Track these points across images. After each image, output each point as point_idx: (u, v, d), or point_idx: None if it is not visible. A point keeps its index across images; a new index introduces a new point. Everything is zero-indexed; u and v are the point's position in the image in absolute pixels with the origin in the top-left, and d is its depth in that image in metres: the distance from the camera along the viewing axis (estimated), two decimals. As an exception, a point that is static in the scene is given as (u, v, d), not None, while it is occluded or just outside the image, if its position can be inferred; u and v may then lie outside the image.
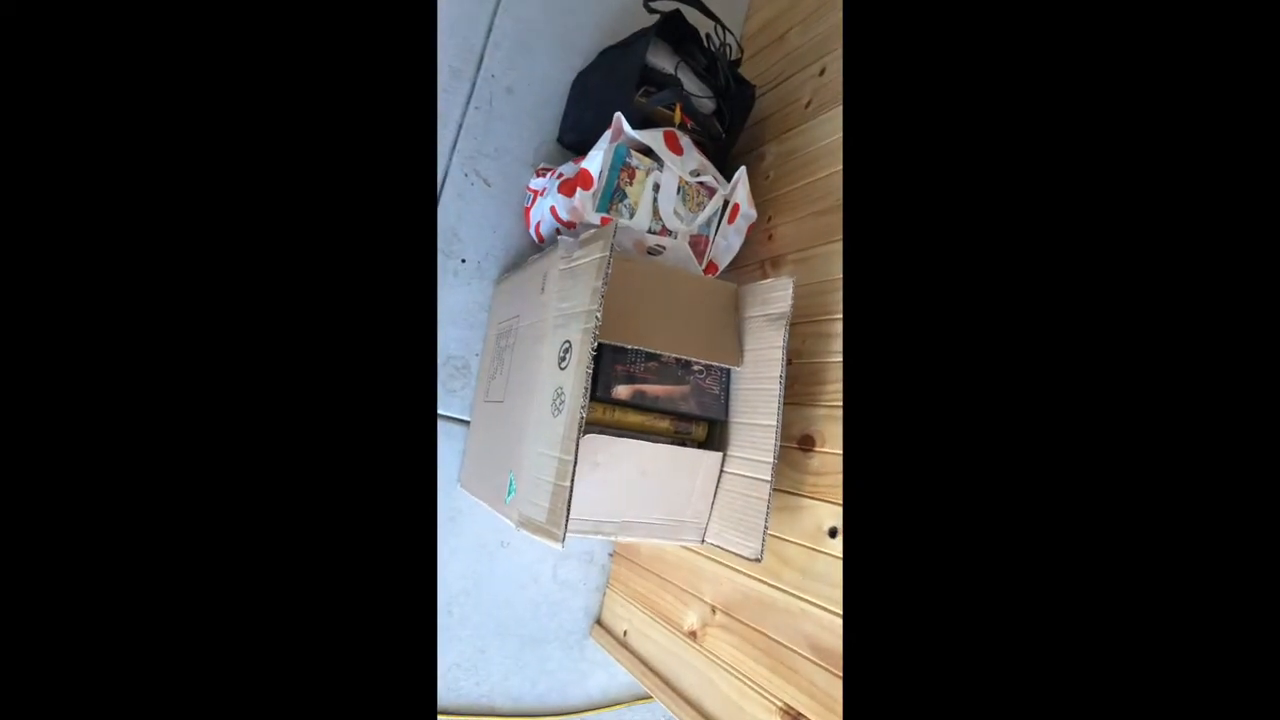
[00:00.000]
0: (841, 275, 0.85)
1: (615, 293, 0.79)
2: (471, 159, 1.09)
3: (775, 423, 0.78)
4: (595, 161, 0.90)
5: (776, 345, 0.80)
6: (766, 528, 0.75)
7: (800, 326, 0.88)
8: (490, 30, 1.11)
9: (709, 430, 0.88)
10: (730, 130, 1.08)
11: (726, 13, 1.28)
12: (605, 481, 0.79)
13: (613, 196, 0.92)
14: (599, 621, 1.14)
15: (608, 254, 0.70)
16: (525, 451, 0.79)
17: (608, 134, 0.91)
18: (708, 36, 1.09)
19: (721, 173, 1.14)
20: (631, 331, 0.80)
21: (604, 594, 1.16)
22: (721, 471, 0.85)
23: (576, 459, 0.67)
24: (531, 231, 1.08)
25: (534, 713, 1.11)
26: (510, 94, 1.12)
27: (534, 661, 1.11)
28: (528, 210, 1.09)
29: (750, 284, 0.86)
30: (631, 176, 0.93)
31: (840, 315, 0.83)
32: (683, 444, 0.87)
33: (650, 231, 0.94)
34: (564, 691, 1.14)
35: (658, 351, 0.82)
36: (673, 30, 1.08)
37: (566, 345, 0.74)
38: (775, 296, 0.82)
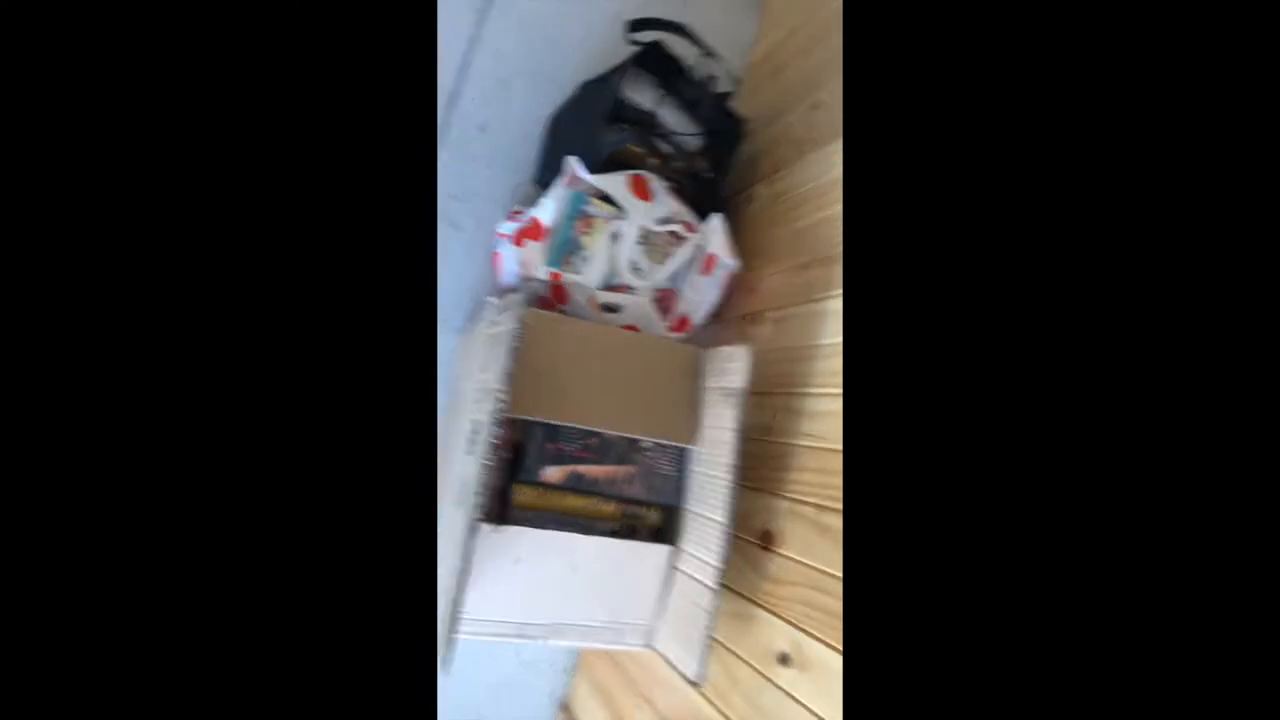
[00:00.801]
0: (822, 341, 0.72)
1: (549, 359, 0.69)
2: (441, 202, 1.02)
3: (725, 519, 0.66)
4: (548, 210, 0.81)
5: (728, 427, 0.68)
6: (707, 646, 0.64)
7: (772, 397, 0.76)
8: (465, 66, 1.05)
9: (665, 515, 0.77)
10: (719, 168, 0.98)
11: (732, 40, 1.18)
12: (530, 580, 0.69)
13: (566, 248, 0.83)
14: (565, 708, 1.03)
15: (516, 327, 0.60)
16: (442, 543, 0.70)
17: (560, 181, 0.82)
18: (693, 68, 0.99)
19: (710, 208, 1.03)
20: (566, 405, 0.70)
21: (571, 675, 1.05)
22: (674, 567, 0.74)
23: (468, 565, 0.58)
24: (506, 251, 1.00)
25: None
26: (484, 133, 1.05)
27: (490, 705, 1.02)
28: (496, 255, 1.01)
29: (710, 349, 0.75)
30: (589, 226, 0.84)
31: (818, 389, 0.70)
32: (631, 531, 0.77)
33: (607, 286, 0.84)
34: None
35: (597, 429, 0.72)
36: (654, 61, 0.98)
37: (475, 427, 0.65)
38: (731, 367, 0.70)
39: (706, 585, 0.66)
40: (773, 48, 1.11)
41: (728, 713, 0.67)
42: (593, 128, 0.89)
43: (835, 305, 0.71)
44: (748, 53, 1.23)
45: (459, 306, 1.03)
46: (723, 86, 1.02)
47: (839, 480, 0.61)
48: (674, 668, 0.68)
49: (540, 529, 0.69)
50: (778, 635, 0.64)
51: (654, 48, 0.96)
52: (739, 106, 1.12)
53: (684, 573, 0.71)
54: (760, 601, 0.68)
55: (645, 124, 0.94)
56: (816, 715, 0.56)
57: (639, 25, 0.96)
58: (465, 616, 0.65)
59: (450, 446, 0.79)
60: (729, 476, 0.66)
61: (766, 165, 0.98)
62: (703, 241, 0.88)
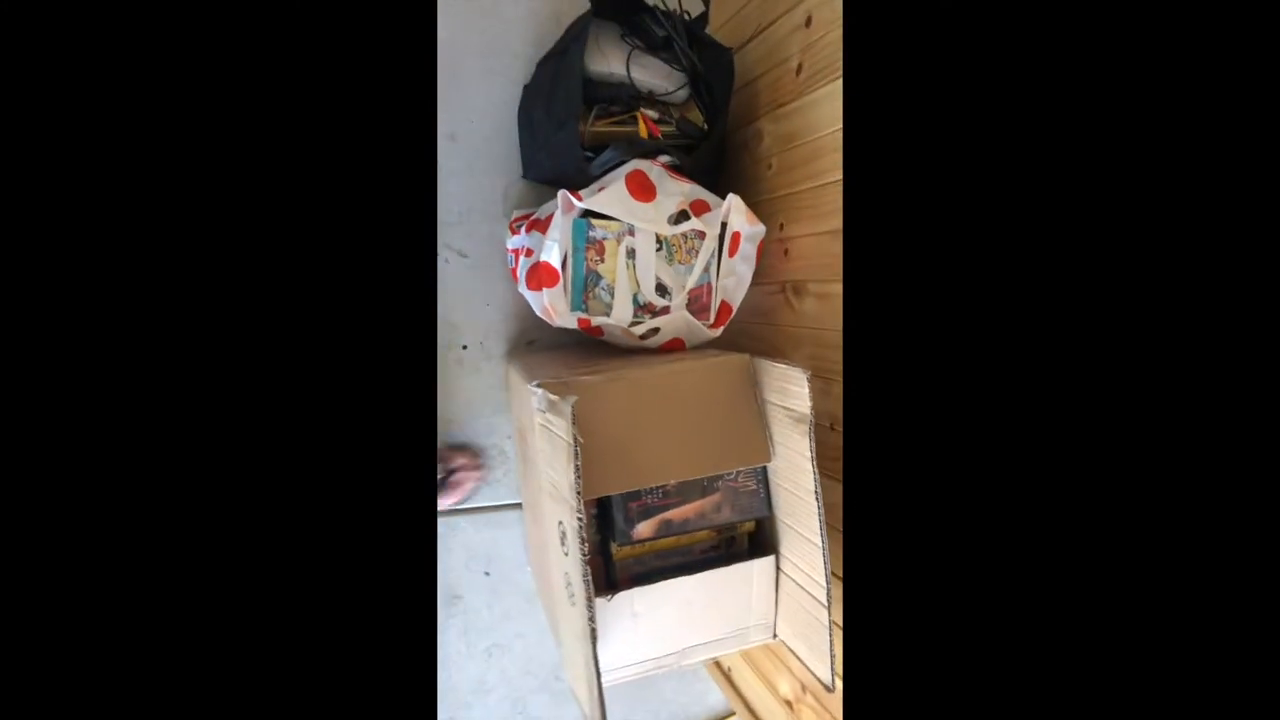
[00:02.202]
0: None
1: (608, 428, 0.69)
2: (440, 233, 0.97)
3: (820, 543, 0.67)
4: (553, 252, 0.76)
5: (804, 453, 0.67)
6: (833, 655, 0.68)
7: (835, 386, 0.74)
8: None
9: (758, 523, 0.79)
10: (714, 116, 0.88)
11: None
12: (651, 624, 0.73)
13: (585, 284, 0.78)
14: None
15: (572, 445, 0.59)
16: (559, 615, 0.75)
17: (558, 213, 0.76)
18: (660, 7, 0.85)
19: (718, 167, 0.95)
20: (638, 471, 0.70)
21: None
22: (779, 571, 0.77)
23: (598, 668, 0.62)
24: (523, 290, 0.96)
25: (665, 737, 1.16)
26: (453, 141, 0.96)
27: (651, 698, 1.14)
28: (514, 271, 0.96)
29: (762, 361, 0.72)
30: (601, 252, 0.78)
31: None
32: (730, 544, 0.79)
33: (638, 306, 0.80)
34: (687, 712, 1.17)
35: (671, 483, 0.72)
36: (611, 5, 0.85)
37: (561, 528, 0.66)
38: (792, 390, 0.68)
39: (819, 601, 0.69)
40: (737, -65, 0.94)
41: (862, 696, 0.73)
42: (568, 130, 0.80)
43: (885, 292, 0.66)
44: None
45: (496, 332, 1.01)
46: (692, 10, 0.89)
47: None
48: (806, 668, 0.73)
49: (647, 584, 0.72)
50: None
51: (607, -5, 0.83)
52: (714, 26, 0.98)
53: (792, 579, 0.74)
54: (871, 598, 0.70)
55: (621, 98, 0.84)
56: None
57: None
58: (602, 670, 0.71)
59: (537, 518, 0.81)
60: (816, 504, 0.67)
61: (767, 97, 0.87)
62: (724, 221, 0.81)
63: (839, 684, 0.76)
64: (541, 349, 1.02)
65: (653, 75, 0.86)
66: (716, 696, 1.17)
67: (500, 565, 1.06)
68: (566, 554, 0.66)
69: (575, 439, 0.60)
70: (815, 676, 0.70)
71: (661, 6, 0.86)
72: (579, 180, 0.82)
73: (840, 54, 0.71)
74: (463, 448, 0.99)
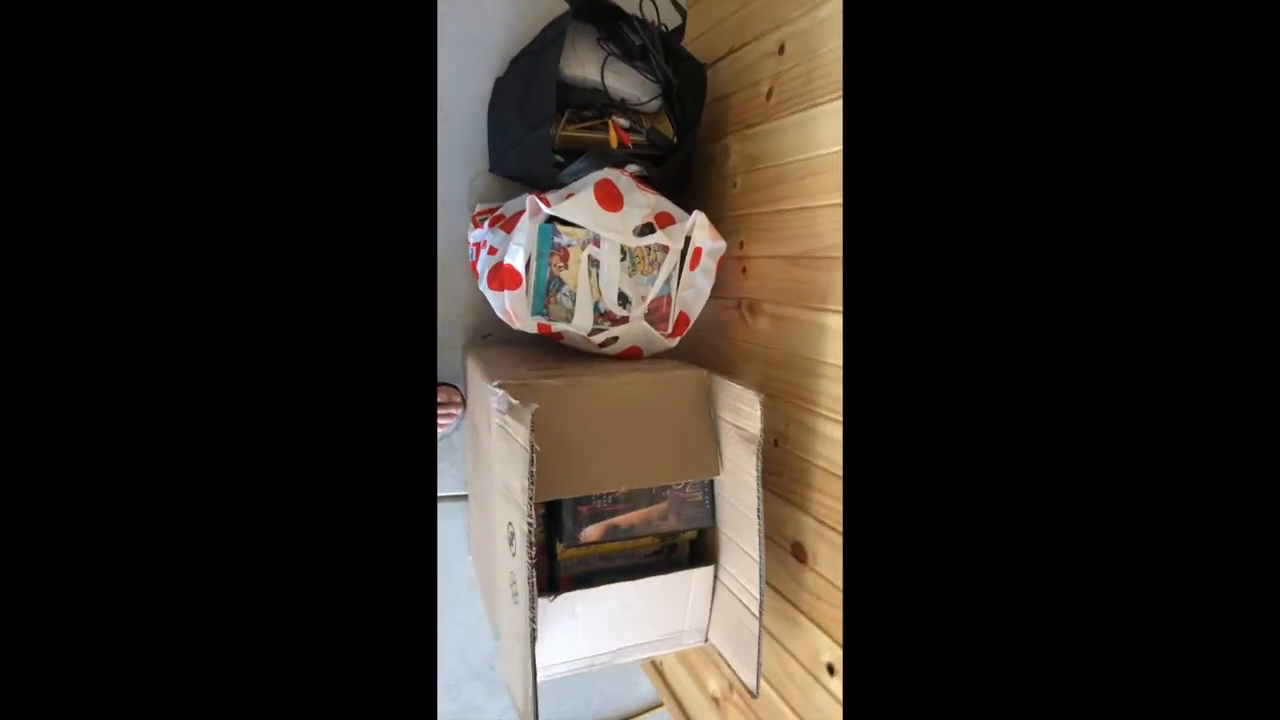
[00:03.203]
0: (823, 359, 0.71)
1: (564, 431, 0.70)
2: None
3: (758, 558, 0.70)
4: (517, 255, 0.76)
5: (751, 471, 0.70)
6: (760, 663, 0.71)
7: (783, 403, 0.77)
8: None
9: (701, 533, 0.82)
10: (685, 129, 0.89)
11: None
12: (589, 624, 0.76)
13: (547, 289, 0.79)
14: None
15: (529, 451, 0.61)
16: (500, 611, 0.76)
17: (524, 216, 0.76)
18: (638, 16, 0.86)
19: (686, 179, 0.96)
20: (590, 477, 0.72)
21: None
22: (716, 580, 0.80)
23: (535, 668, 0.64)
24: (484, 288, 0.96)
25: (593, 726, 1.19)
26: (422, 129, 0.95)
27: (584, 687, 1.17)
28: (474, 265, 0.96)
29: (718, 379, 0.75)
30: (565, 258, 0.79)
31: (825, 411, 0.71)
32: (671, 552, 0.82)
33: (598, 314, 0.81)
34: (618, 701, 1.20)
35: (622, 490, 0.74)
36: (590, 9, 0.86)
37: (510, 529, 0.68)
38: (744, 410, 0.71)
39: (752, 612, 0.72)
40: (719, -49, 0.95)
41: (789, 700, 0.77)
42: (540, 133, 0.80)
43: (831, 321, 0.69)
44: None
45: (454, 324, 1.00)
46: (670, 22, 0.90)
47: (862, 519, 0.64)
48: (734, 673, 0.76)
49: (590, 586, 0.74)
50: (822, 645, 0.71)
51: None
52: (689, 39, 0.99)
53: (728, 588, 0.78)
54: (802, 609, 0.74)
55: (594, 104, 0.85)
56: (867, 729, 0.64)
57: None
58: (539, 666, 0.73)
59: (485, 513, 0.82)
60: (757, 520, 0.70)
61: (736, 115, 0.89)
62: (688, 236, 0.83)
63: (764, 689, 0.80)
64: (497, 343, 1.02)
65: (627, 83, 0.87)
66: (647, 688, 1.21)
67: (441, 554, 1.06)
68: (514, 555, 0.67)
69: (533, 446, 0.61)
70: (742, 683, 0.74)
71: (640, 15, 0.87)
72: (547, 183, 0.82)
73: (808, 87, 0.74)
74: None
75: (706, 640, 0.82)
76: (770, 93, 0.82)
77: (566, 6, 0.84)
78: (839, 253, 0.68)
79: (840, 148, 0.68)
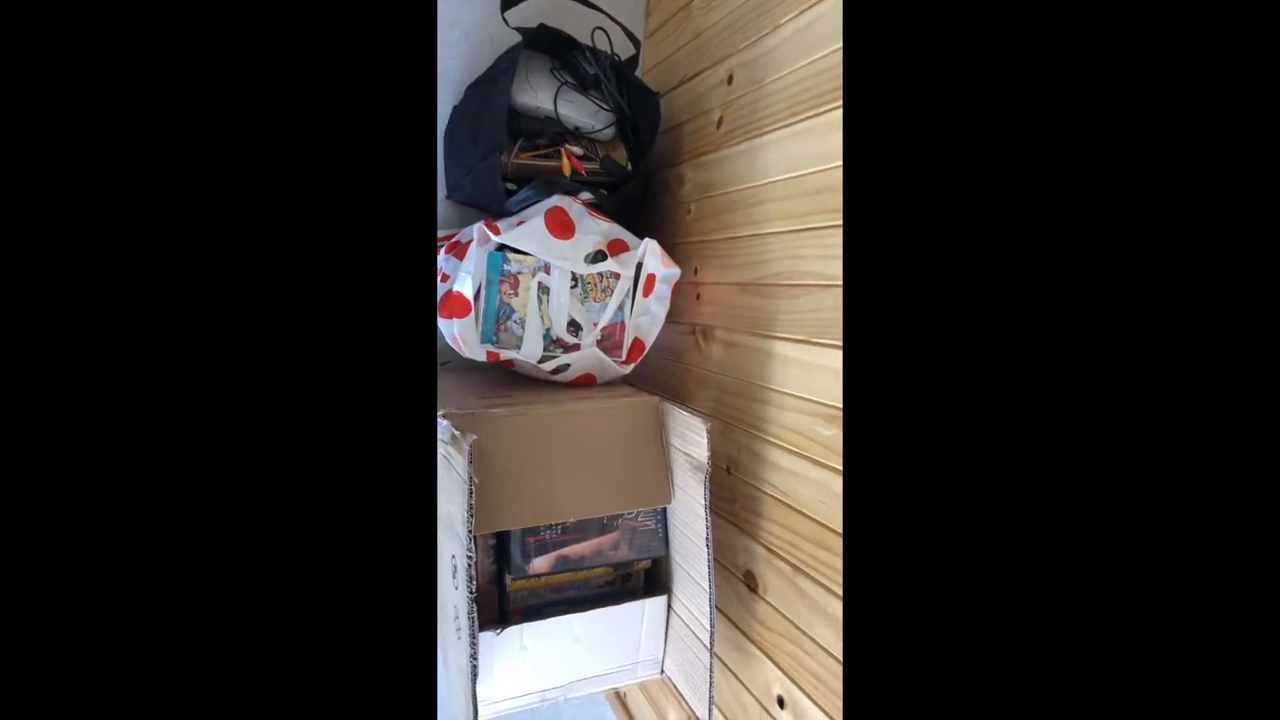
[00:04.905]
0: (771, 386, 0.71)
1: (510, 461, 0.69)
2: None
3: (707, 586, 0.69)
4: (466, 283, 0.76)
5: (699, 499, 0.69)
6: (713, 694, 0.70)
7: (734, 429, 0.77)
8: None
9: (655, 562, 0.81)
10: (638, 156, 0.90)
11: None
12: (539, 658, 0.74)
13: (497, 317, 0.79)
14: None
15: (468, 483, 0.60)
16: (447, 645, 0.74)
17: (474, 244, 0.76)
18: (590, 46, 0.87)
19: (641, 206, 0.97)
20: (537, 507, 0.71)
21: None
22: (670, 610, 0.79)
23: (476, 706, 0.62)
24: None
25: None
26: (377, 156, 0.95)
27: (546, 720, 1.14)
28: (430, 292, 0.95)
29: (669, 405, 0.74)
30: (515, 285, 0.79)
31: (774, 440, 0.71)
32: (626, 580, 0.81)
33: (550, 340, 0.81)
34: (582, 735, 1.17)
35: (570, 520, 0.73)
36: (544, 41, 0.86)
37: (454, 562, 0.66)
38: (692, 437, 0.70)
39: (703, 643, 0.71)
40: (673, -17, 0.97)
41: (741, 733, 0.75)
42: (491, 162, 0.80)
43: (778, 348, 0.70)
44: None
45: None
46: (623, 53, 0.91)
47: (809, 545, 0.64)
48: (685, 703, 0.75)
49: (539, 619, 0.73)
50: (772, 678, 0.70)
51: (541, 29, 0.84)
52: (644, 69, 1.01)
53: (680, 618, 0.76)
54: (753, 639, 0.73)
55: (547, 132, 0.85)
56: (816, 763, 0.63)
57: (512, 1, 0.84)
58: (486, 702, 0.71)
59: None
60: (706, 550, 0.69)
61: (690, 144, 0.90)
62: (640, 263, 0.83)
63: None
64: (455, 369, 1.01)
65: (579, 112, 0.87)
66: (611, 720, 1.19)
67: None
68: (456, 588, 0.66)
69: (471, 478, 0.60)
70: (694, 713, 0.73)
71: (592, 45, 0.88)
72: (497, 210, 0.82)
73: (755, 116, 0.75)
74: None
75: (662, 672, 0.81)
76: (720, 121, 0.82)
77: (520, 37, 0.85)
78: (787, 280, 0.69)
79: (785, 175, 0.69)
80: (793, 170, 0.68)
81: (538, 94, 0.85)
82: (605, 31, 0.89)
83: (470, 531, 0.60)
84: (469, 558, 0.60)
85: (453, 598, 0.68)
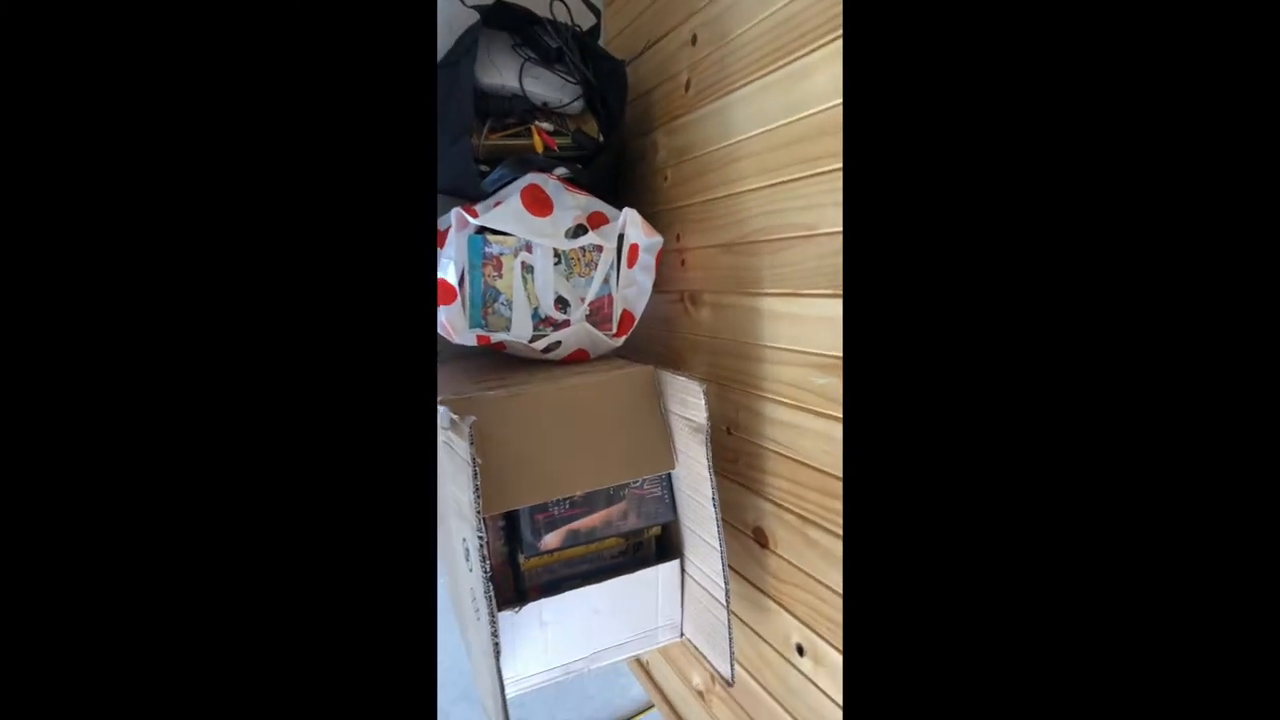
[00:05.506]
0: (763, 343, 0.72)
1: (511, 443, 0.70)
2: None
3: (718, 545, 0.70)
4: (448, 269, 0.76)
5: (702, 461, 0.70)
6: (733, 651, 0.71)
7: (730, 390, 0.77)
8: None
9: (664, 528, 0.82)
10: (610, 127, 0.89)
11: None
12: (559, 632, 0.75)
13: (483, 300, 0.79)
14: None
15: (471, 464, 0.60)
16: (468, 629, 0.75)
17: (452, 230, 0.75)
18: (550, 19, 0.86)
19: (616, 178, 0.96)
20: (542, 484, 0.71)
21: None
22: (683, 573, 0.80)
23: (503, 683, 0.63)
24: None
25: (587, 734, 1.18)
26: (347, 152, 0.94)
27: (574, 695, 1.16)
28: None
29: (664, 373, 0.75)
30: (499, 267, 0.79)
31: (771, 395, 0.71)
32: (638, 550, 0.82)
33: (538, 319, 0.81)
34: (611, 706, 1.19)
35: (577, 493, 0.73)
36: (503, 18, 0.85)
37: (465, 545, 0.67)
38: (690, 400, 0.70)
39: (719, 601, 0.72)
40: (627, -53, 0.95)
41: (765, 685, 0.77)
42: (460, 145, 0.80)
43: (767, 305, 0.70)
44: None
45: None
46: (584, 23, 0.90)
47: (814, 495, 0.65)
48: (709, 665, 0.76)
49: (555, 594, 0.74)
50: (790, 628, 0.71)
51: (499, 5, 0.83)
52: (607, 39, 0.99)
53: (695, 580, 0.77)
54: (768, 592, 0.74)
55: (515, 111, 0.84)
56: (839, 705, 0.64)
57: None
58: (512, 680, 0.72)
59: (446, 533, 0.81)
60: (714, 510, 0.70)
61: (660, 109, 0.89)
62: (621, 233, 0.83)
63: (740, 675, 0.80)
64: (447, 359, 1.01)
65: (546, 87, 0.87)
66: (638, 689, 1.21)
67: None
68: (470, 570, 0.67)
69: (474, 459, 0.60)
70: (716, 672, 0.74)
71: (552, 18, 0.87)
72: (473, 194, 0.82)
73: (722, 74, 0.74)
74: None
75: (682, 635, 0.82)
76: (689, 84, 0.82)
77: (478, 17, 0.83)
78: (768, 235, 0.68)
79: (757, 130, 0.69)
80: (764, 124, 0.67)
81: (502, 72, 0.85)
82: (564, 2, 0.88)
83: (479, 512, 0.60)
84: (480, 538, 0.60)
85: (468, 581, 0.69)
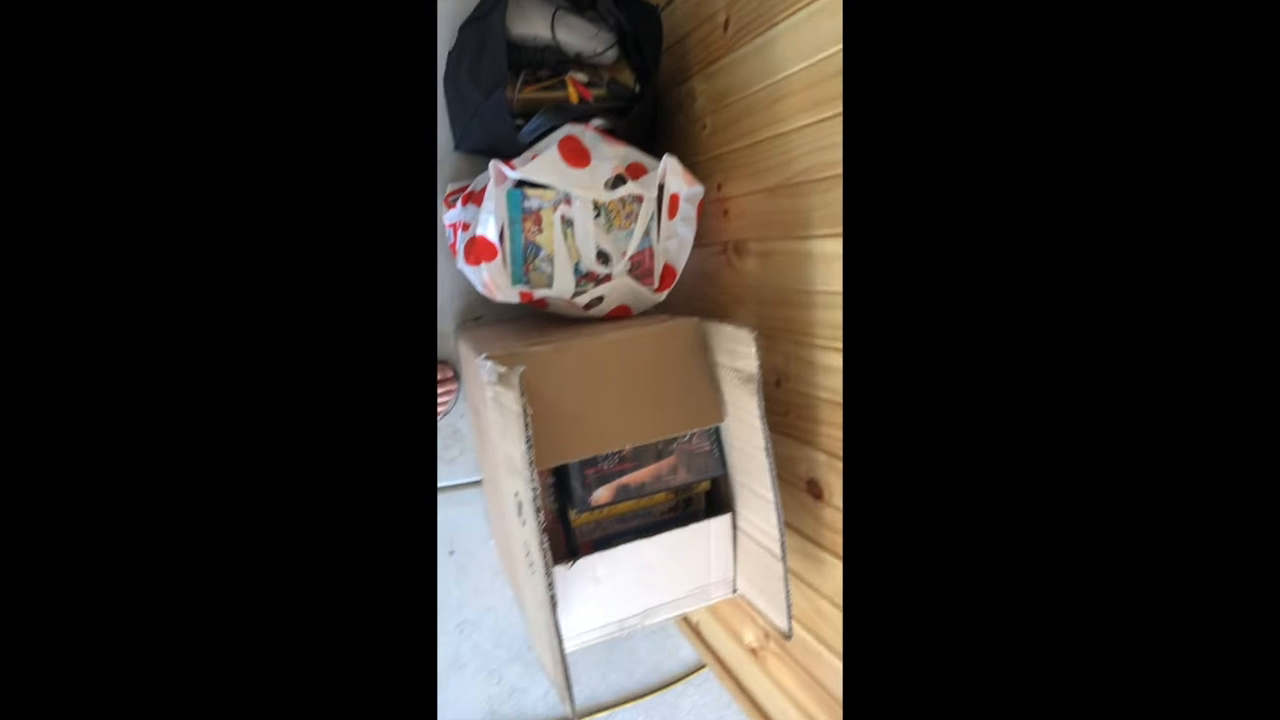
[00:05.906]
0: (815, 288, 0.69)
1: (560, 398, 0.69)
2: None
3: (773, 498, 0.69)
4: (488, 225, 0.75)
5: (753, 411, 0.68)
6: (790, 604, 0.70)
7: (780, 341, 0.75)
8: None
9: (714, 482, 0.80)
10: (645, 76, 0.86)
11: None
12: (613, 587, 0.75)
13: (524, 257, 0.77)
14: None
15: (523, 415, 0.59)
16: (522, 585, 0.75)
17: (490, 184, 0.74)
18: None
19: (653, 128, 0.94)
20: (592, 438, 0.70)
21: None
22: (735, 528, 0.78)
23: (560, 635, 0.63)
24: (462, 266, 0.94)
25: (639, 694, 1.19)
26: (381, 115, 0.93)
27: (625, 657, 1.17)
28: (453, 247, 0.94)
29: (710, 324, 0.73)
30: (538, 222, 0.77)
31: (824, 341, 0.69)
32: (688, 505, 0.81)
33: (580, 275, 0.79)
34: (661, 668, 1.20)
35: (626, 448, 0.72)
36: (533, -33, 0.83)
37: (518, 499, 0.66)
38: (740, 350, 0.68)
39: (773, 554, 0.71)
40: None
41: (822, 639, 0.75)
42: (496, 98, 0.78)
43: (819, 247, 0.67)
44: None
45: (444, 310, 0.99)
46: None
47: (873, 443, 0.62)
48: (765, 618, 0.75)
49: (607, 548, 0.73)
50: (850, 579, 0.69)
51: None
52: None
53: (748, 534, 0.76)
54: (824, 545, 0.73)
55: (548, 62, 0.82)
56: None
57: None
58: (568, 635, 0.72)
59: (496, 492, 0.81)
60: (767, 461, 0.68)
61: (697, 55, 0.86)
62: (661, 183, 0.80)
63: (797, 630, 0.79)
64: (488, 323, 1.01)
65: (579, 36, 0.84)
66: (688, 651, 1.21)
67: (465, 543, 1.05)
68: (524, 524, 0.66)
69: (525, 409, 0.59)
70: (775, 627, 0.73)
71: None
72: (510, 149, 0.80)
73: (764, 6, 0.71)
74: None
75: (735, 590, 0.81)
76: (727, 23, 0.79)
77: (507, -35, 0.81)
78: (818, 175, 0.66)
79: (805, 64, 0.66)
80: (813, 56, 0.64)
81: (533, 22, 0.82)
82: (594, -54, 0.85)
83: (531, 463, 0.59)
84: (533, 489, 0.60)
85: (520, 535, 0.68)
